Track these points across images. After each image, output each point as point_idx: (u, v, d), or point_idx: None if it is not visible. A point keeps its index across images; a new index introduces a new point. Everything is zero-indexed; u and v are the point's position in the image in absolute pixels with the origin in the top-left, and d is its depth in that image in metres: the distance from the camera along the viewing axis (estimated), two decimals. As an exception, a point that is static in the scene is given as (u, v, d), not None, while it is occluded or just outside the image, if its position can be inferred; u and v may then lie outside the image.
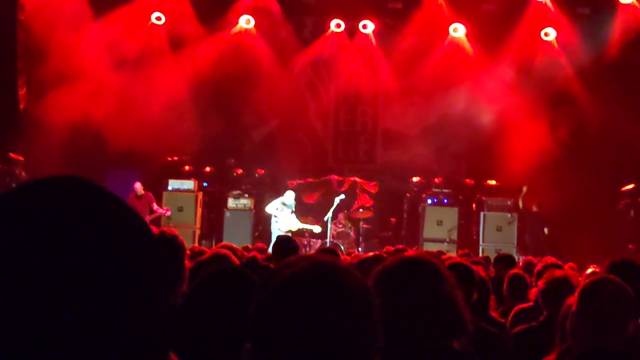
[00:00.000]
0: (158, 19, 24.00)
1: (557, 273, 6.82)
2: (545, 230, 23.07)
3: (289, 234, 20.84)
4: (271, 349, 1.95)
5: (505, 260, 10.63)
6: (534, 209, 22.77)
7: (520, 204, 22.83)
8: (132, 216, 1.41)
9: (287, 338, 1.93)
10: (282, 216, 21.66)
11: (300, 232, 22.59)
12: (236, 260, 5.92)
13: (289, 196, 21.90)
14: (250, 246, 15.83)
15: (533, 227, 22.98)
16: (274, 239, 19.72)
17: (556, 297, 6.04)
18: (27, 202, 1.34)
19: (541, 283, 6.70)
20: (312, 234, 22.26)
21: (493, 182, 24.07)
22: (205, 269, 4.47)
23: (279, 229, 21.31)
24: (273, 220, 21.66)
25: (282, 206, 22.05)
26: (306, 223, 21.99)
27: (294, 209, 22.05)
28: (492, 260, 12.13)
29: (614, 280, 4.24)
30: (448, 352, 3.08)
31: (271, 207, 21.79)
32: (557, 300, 5.89)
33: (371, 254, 4.67)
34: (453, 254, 19.06)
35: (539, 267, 9.20)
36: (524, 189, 22.70)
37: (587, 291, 4.18)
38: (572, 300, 4.83)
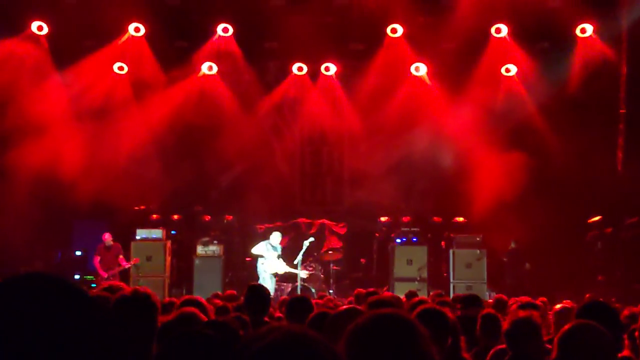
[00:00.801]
0: (120, 68, 24.01)
1: (521, 314, 6.88)
2: (527, 265, 23.10)
3: (273, 277, 21.35)
4: None
5: (468, 301, 10.68)
6: (512, 245, 22.76)
7: (505, 258, 22.97)
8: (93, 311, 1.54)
9: None
10: (269, 258, 21.61)
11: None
12: (204, 317, 5.85)
13: (275, 238, 21.85)
14: (220, 293, 15.76)
15: (513, 264, 23.03)
16: (261, 281, 20.74)
17: (520, 338, 6.26)
18: None
19: (505, 324, 6.77)
20: (282, 278, 22.01)
21: (461, 219, 24.09)
22: (172, 331, 4.43)
23: (265, 271, 21.31)
24: (259, 262, 21.59)
25: (270, 247, 21.99)
26: (292, 267, 21.96)
27: (280, 253, 21.93)
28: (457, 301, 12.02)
29: (591, 326, 4.28)
30: None
31: (258, 249, 21.69)
32: (521, 341, 6.23)
33: (345, 307, 4.63)
34: (424, 293, 19.91)
35: (514, 307, 9.27)
36: (513, 244, 22.80)
37: (565, 339, 4.22)
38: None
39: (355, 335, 3.03)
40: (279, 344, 2.02)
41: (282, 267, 21.71)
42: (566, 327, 4.44)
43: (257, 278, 21.72)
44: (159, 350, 3.40)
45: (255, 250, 21.86)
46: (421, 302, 8.18)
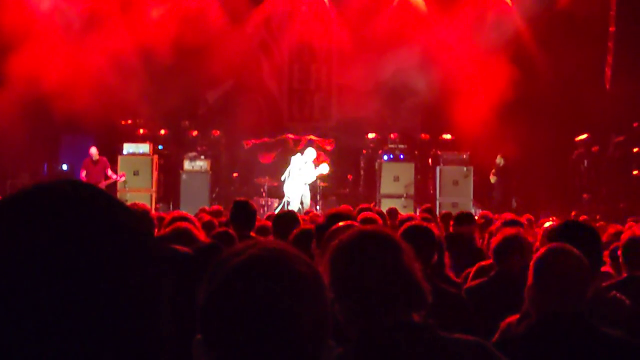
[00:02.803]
0: None
1: (508, 231, 6.92)
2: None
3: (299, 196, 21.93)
4: (223, 340, 1.94)
5: (460, 218, 10.68)
6: (499, 162, 22.78)
7: (493, 179, 22.85)
8: (131, 217, 1.41)
9: (239, 329, 1.92)
10: (298, 178, 22.16)
11: (259, 192, 22.86)
12: (198, 234, 5.97)
13: (311, 153, 22.38)
14: (207, 208, 15.79)
15: (499, 181, 23.11)
16: (288, 203, 21.76)
17: (507, 255, 6.32)
18: (33, 207, 1.36)
19: (494, 240, 6.85)
20: (269, 194, 22.51)
21: (448, 136, 24.02)
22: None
23: (291, 193, 22.08)
24: (286, 183, 22.22)
25: (304, 165, 22.33)
26: (314, 171, 22.29)
27: (314, 171, 22.50)
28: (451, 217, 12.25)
29: (566, 249, 4.22)
30: (408, 326, 3.07)
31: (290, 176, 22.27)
32: (508, 258, 6.29)
33: (341, 223, 4.67)
34: (410, 210, 20.64)
35: (497, 224, 9.48)
36: (500, 160, 22.75)
37: (540, 263, 4.17)
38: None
39: (337, 251, 3.05)
40: (255, 259, 1.99)
41: (308, 179, 22.19)
42: (540, 251, 4.39)
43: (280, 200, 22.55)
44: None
45: (285, 180, 22.32)
46: (409, 218, 8.33)
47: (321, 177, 23.49)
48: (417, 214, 15.91)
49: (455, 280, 6.84)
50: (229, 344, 1.94)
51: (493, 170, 23.05)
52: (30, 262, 1.30)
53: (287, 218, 8.79)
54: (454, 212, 17.50)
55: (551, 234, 5.63)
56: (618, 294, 5.55)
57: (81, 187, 1.42)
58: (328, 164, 23.93)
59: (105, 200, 1.42)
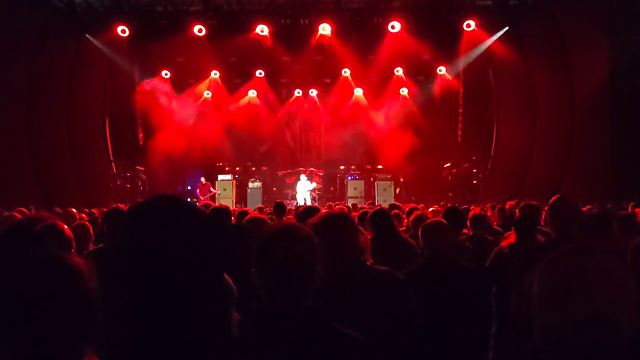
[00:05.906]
0: (207, 94, 29.76)
1: (417, 212, 8.42)
2: (406, 194, 27.51)
3: (286, 200, 25.56)
4: (261, 268, 2.61)
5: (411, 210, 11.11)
6: (402, 180, 27.89)
7: (397, 190, 26.62)
8: (195, 213, 1.91)
9: (272, 262, 2.58)
10: (300, 191, 26.82)
11: (287, 197, 27.51)
12: (269, 221, 7.26)
13: (307, 181, 27.07)
14: (261, 206, 18.72)
15: (405, 188, 27.75)
16: (299, 200, 26.08)
17: (417, 224, 7.37)
18: (149, 209, 1.90)
19: (411, 218, 8.13)
20: (291, 198, 27.51)
21: (380, 166, 28.50)
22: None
23: (298, 197, 26.66)
24: (298, 192, 26.89)
25: (303, 185, 26.89)
26: (308, 188, 26.66)
27: (310, 188, 27.03)
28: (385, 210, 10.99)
29: (438, 221, 5.47)
30: (363, 264, 3.80)
31: (297, 186, 26.98)
32: (418, 225, 7.16)
33: (324, 210, 4.95)
34: (363, 202, 23.46)
35: (406, 209, 11.66)
36: (401, 179, 26.88)
37: (425, 228, 5.47)
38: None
39: (315, 222, 3.68)
40: (280, 229, 2.62)
41: (306, 192, 26.72)
42: (426, 222, 5.55)
43: (295, 199, 26.61)
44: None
45: (298, 190, 26.86)
46: (362, 209, 10.83)
47: (315, 189, 27.83)
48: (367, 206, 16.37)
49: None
50: (266, 270, 2.60)
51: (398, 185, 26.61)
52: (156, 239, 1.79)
53: (308, 210, 8.57)
54: (385, 205, 15.22)
55: (443, 213, 7.06)
56: (467, 243, 7.16)
57: (174, 199, 1.89)
58: (318, 183, 28.74)
59: (187, 205, 1.89)
